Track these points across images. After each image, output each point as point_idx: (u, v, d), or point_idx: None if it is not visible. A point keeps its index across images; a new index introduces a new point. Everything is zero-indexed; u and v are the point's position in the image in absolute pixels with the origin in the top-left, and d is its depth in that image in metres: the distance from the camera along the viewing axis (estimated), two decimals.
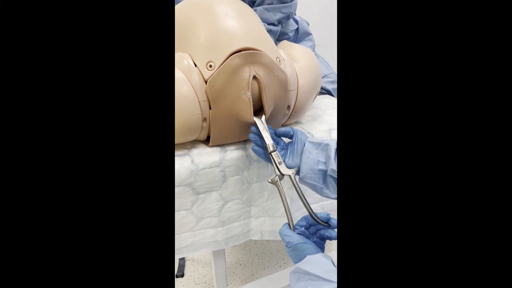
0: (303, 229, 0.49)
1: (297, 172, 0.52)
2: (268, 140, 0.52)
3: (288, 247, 0.47)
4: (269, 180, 0.51)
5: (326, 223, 0.48)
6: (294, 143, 0.54)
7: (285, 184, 0.57)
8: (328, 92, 0.92)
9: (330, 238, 0.48)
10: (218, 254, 0.74)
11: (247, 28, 0.57)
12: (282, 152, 0.55)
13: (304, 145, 0.53)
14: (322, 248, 0.48)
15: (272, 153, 0.51)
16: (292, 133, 0.55)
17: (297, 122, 0.70)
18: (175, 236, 0.58)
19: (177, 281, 1.15)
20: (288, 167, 0.53)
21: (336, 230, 0.48)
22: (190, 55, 0.55)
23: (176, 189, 0.54)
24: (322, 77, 0.91)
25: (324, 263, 0.42)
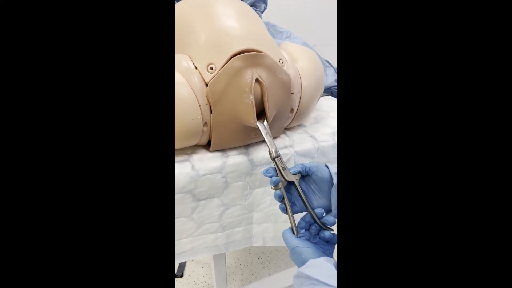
0: (303, 231, 0.48)
1: (301, 177, 0.51)
2: (271, 146, 0.50)
3: (289, 250, 0.46)
4: (273, 187, 0.49)
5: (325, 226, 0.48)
6: (313, 182, 0.48)
7: None
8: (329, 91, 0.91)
9: (326, 239, 0.47)
10: (218, 254, 0.73)
11: (248, 28, 0.54)
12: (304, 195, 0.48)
13: (332, 182, 0.47)
14: (327, 249, 0.47)
15: (276, 159, 0.50)
16: (304, 171, 0.48)
17: (300, 125, 0.68)
18: (174, 242, 0.57)
19: (177, 281, 1.14)
20: (315, 207, 0.48)
21: (330, 232, 0.47)
22: (189, 57, 0.53)
23: (176, 196, 0.53)
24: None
25: (326, 268, 0.41)
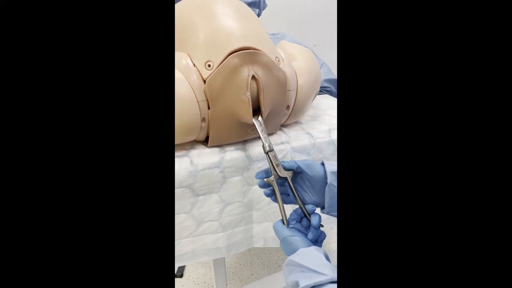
0: (294, 222, 0.49)
1: (293, 175, 0.51)
2: (265, 140, 0.51)
3: (280, 241, 0.47)
4: (265, 180, 0.50)
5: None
6: (307, 179, 0.49)
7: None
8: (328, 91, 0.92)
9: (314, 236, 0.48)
10: None
11: (246, 27, 0.56)
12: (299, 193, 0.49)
13: (327, 181, 0.48)
14: (316, 242, 0.48)
15: (269, 153, 0.51)
16: (295, 167, 0.49)
17: (296, 122, 0.70)
18: (175, 242, 0.57)
19: (177, 281, 1.14)
20: (307, 203, 0.50)
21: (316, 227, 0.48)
22: (188, 55, 0.54)
23: (176, 191, 0.54)
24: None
25: (316, 256, 0.42)
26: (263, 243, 0.64)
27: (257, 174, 0.51)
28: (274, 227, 0.49)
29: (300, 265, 0.41)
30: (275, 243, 0.63)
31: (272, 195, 0.51)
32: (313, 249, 0.43)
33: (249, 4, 0.94)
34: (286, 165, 0.50)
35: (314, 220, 0.47)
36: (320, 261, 0.41)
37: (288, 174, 0.50)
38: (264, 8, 1.02)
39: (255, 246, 0.64)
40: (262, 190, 0.60)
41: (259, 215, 0.63)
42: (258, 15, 1.02)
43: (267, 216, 0.63)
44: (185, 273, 1.18)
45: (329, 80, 0.92)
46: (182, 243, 0.58)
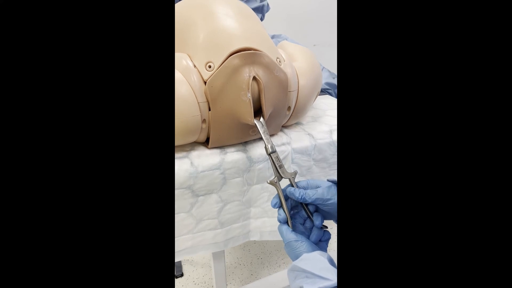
0: (298, 224, 0.49)
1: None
2: (268, 142, 0.51)
3: (284, 244, 0.47)
4: (268, 182, 0.50)
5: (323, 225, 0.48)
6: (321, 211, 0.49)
7: (286, 183, 0.56)
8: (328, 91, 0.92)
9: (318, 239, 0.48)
10: (218, 253, 0.74)
11: (246, 28, 0.56)
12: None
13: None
14: (320, 242, 0.48)
15: (272, 155, 0.50)
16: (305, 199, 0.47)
17: (298, 123, 0.69)
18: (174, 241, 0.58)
19: (176, 281, 1.14)
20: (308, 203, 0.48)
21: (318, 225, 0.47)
22: (189, 56, 0.54)
23: (175, 192, 0.53)
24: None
25: (319, 261, 0.42)
26: (259, 236, 0.65)
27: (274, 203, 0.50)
28: (279, 230, 0.48)
29: (304, 271, 0.41)
30: (271, 236, 0.64)
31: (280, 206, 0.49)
32: (317, 253, 0.43)
33: (253, 9, 0.95)
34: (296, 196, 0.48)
35: (316, 220, 0.47)
36: (323, 265, 0.41)
37: (291, 176, 0.50)
38: (267, 11, 1.03)
39: (251, 239, 0.64)
40: (260, 189, 0.60)
41: (257, 211, 0.63)
42: (261, 19, 1.02)
43: (265, 213, 0.63)
44: (185, 273, 1.18)
45: (329, 84, 0.93)
46: (181, 240, 0.58)
